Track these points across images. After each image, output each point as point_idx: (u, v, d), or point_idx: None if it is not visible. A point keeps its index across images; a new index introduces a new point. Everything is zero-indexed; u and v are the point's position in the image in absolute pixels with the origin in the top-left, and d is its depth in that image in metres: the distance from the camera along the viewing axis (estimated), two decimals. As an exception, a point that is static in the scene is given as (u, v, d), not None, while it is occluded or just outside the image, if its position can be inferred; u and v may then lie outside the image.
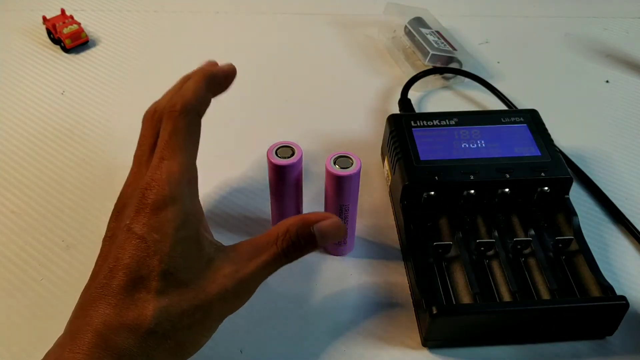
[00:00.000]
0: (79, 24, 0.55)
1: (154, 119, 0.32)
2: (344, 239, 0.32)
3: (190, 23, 0.60)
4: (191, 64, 0.54)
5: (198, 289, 0.28)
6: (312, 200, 0.40)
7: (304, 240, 0.31)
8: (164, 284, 0.28)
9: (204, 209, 0.40)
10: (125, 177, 0.42)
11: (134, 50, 0.56)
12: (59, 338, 0.28)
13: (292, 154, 0.34)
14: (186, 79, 0.34)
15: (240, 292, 0.30)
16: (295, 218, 0.31)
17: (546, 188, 0.37)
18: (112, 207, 0.40)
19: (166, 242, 0.28)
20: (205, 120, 0.48)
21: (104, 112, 0.49)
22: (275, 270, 0.31)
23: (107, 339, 0.26)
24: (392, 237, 0.40)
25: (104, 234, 0.36)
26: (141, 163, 0.32)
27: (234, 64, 0.55)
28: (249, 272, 0.30)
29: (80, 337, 0.26)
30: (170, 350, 0.28)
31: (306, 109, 0.50)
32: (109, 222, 0.31)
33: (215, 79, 0.34)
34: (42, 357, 0.27)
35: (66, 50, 0.55)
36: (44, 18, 0.56)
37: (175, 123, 0.31)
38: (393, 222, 0.41)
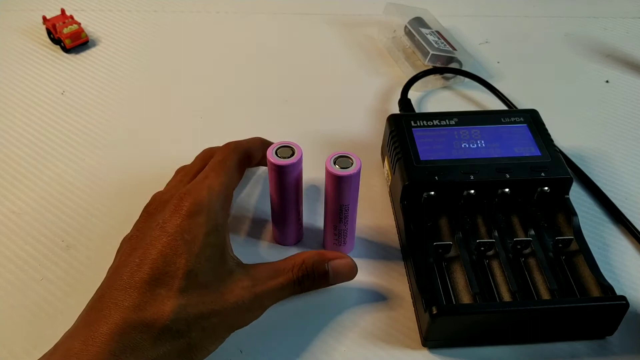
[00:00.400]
0: (79, 24, 0.55)
1: (209, 154, 0.37)
2: (353, 277, 0.35)
3: (191, 23, 0.60)
4: (191, 64, 0.54)
5: (217, 295, 0.30)
6: (312, 200, 0.40)
7: (317, 274, 0.33)
8: (187, 283, 0.29)
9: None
10: (125, 177, 0.42)
11: (134, 50, 0.56)
12: (70, 329, 0.28)
13: (292, 154, 0.34)
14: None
15: (254, 306, 0.32)
16: (312, 252, 0.34)
17: (546, 188, 0.37)
18: (112, 207, 0.41)
19: (196, 243, 0.30)
20: (206, 120, 0.49)
21: (104, 112, 0.49)
22: (288, 295, 0.33)
23: (123, 332, 0.26)
24: (392, 237, 0.40)
25: (104, 233, 0.36)
26: (181, 180, 0.35)
27: (233, 63, 0.55)
28: (266, 289, 0.32)
29: (95, 328, 0.26)
30: (180, 351, 0.28)
31: (306, 109, 0.50)
32: (137, 223, 0.32)
33: (255, 154, 0.39)
34: (48, 350, 0.27)
35: (66, 50, 0.55)
36: (44, 18, 0.56)
37: (225, 154, 0.36)
38: (393, 222, 0.41)
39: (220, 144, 0.46)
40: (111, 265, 0.32)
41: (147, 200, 0.34)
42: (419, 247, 0.36)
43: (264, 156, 0.38)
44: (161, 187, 0.37)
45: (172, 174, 0.39)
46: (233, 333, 0.34)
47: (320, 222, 0.38)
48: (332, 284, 0.35)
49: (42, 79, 0.52)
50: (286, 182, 0.35)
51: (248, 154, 0.37)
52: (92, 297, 0.29)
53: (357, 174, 0.33)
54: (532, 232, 0.37)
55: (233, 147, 0.36)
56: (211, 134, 0.47)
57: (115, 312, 0.27)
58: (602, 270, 0.35)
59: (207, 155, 0.37)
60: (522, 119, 0.41)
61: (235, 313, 0.30)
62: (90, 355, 0.26)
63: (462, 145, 0.39)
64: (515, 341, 0.34)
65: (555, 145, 0.39)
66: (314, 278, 0.33)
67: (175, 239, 0.29)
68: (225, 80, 0.53)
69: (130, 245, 0.31)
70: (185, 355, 0.29)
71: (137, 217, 0.33)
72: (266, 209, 0.41)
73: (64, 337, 0.28)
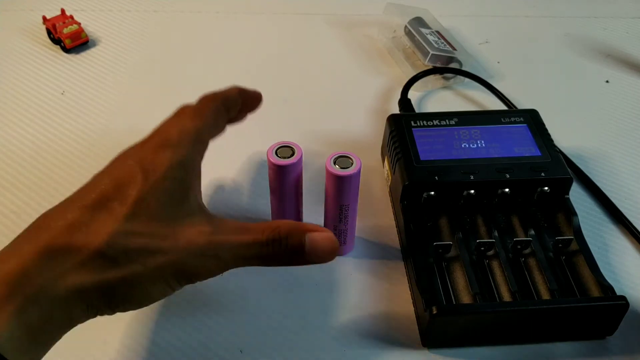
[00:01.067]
0: (79, 24, 0.55)
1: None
2: (333, 258, 0.30)
3: (191, 23, 0.60)
4: (191, 64, 0.54)
5: (168, 231, 0.27)
6: (312, 200, 0.40)
7: (291, 244, 0.29)
8: (134, 210, 0.26)
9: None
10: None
11: (134, 50, 0.56)
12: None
13: (292, 154, 0.34)
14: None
15: (207, 253, 0.28)
16: (290, 221, 0.30)
17: (546, 188, 0.37)
18: (112, 207, 0.40)
19: (155, 174, 0.28)
20: (205, 120, 0.48)
21: (104, 112, 0.49)
22: (253, 256, 0.29)
23: (46, 253, 0.24)
24: (392, 237, 0.40)
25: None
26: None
27: (234, 63, 0.55)
28: (225, 239, 0.28)
29: (19, 247, 0.25)
30: (111, 283, 0.25)
31: (306, 109, 0.50)
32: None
33: (248, 93, 0.37)
34: None
35: (66, 50, 0.55)
36: (44, 18, 0.56)
37: (208, 101, 0.33)
38: (393, 222, 0.41)
39: (220, 144, 0.46)
40: None
41: None
42: (419, 247, 0.36)
43: (242, 109, 0.36)
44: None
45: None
46: (233, 333, 0.34)
47: (320, 222, 0.38)
48: (308, 262, 0.29)
49: (42, 79, 0.52)
50: (286, 182, 0.35)
51: (226, 103, 0.34)
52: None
53: (357, 174, 0.33)
54: (532, 232, 0.37)
55: (210, 97, 0.34)
56: (211, 134, 0.47)
57: (46, 231, 0.25)
58: (602, 270, 0.35)
59: None
60: (522, 119, 0.41)
61: (186, 256, 0.27)
62: (2, 274, 0.24)
63: (462, 145, 0.39)
64: (515, 341, 0.34)
65: (555, 145, 0.39)
66: (286, 246, 0.29)
67: (134, 168, 0.28)
68: (225, 80, 0.53)
69: (96, 176, 0.29)
70: (119, 292, 0.26)
71: None
72: (266, 209, 0.41)
73: None
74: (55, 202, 0.41)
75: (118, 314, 0.27)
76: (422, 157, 0.38)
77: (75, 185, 0.42)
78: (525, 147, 0.39)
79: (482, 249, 0.36)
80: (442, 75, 0.52)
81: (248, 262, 0.29)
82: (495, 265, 0.36)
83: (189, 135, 0.31)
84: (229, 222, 0.30)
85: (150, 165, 0.28)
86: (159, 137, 0.30)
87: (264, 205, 0.41)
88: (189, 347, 0.33)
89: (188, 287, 0.29)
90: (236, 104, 0.35)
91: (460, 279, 0.35)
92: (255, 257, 0.29)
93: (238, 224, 0.30)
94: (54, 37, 0.55)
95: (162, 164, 0.28)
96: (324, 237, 0.29)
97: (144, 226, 0.26)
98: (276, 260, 0.29)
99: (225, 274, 0.29)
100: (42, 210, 0.40)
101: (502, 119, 0.41)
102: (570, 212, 0.37)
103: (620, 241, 0.40)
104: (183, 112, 0.33)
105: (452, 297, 0.35)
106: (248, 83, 0.52)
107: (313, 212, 0.40)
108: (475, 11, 0.63)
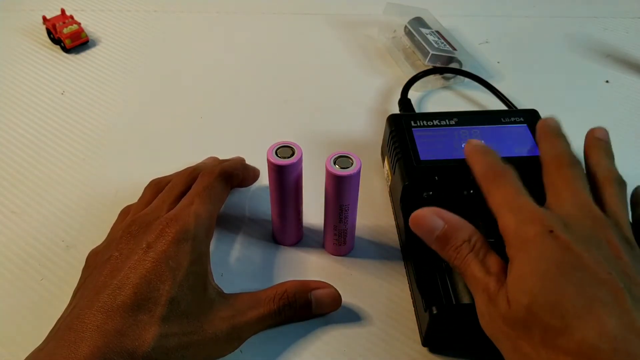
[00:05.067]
0: (79, 24, 0.55)
1: (191, 175, 0.36)
2: (338, 308, 0.35)
3: (191, 23, 0.60)
4: (191, 64, 0.54)
5: (197, 325, 0.29)
6: (312, 200, 0.40)
7: (299, 304, 0.33)
8: (168, 311, 0.28)
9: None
10: (125, 177, 0.41)
11: (134, 50, 0.56)
12: (43, 345, 0.27)
13: (292, 154, 0.34)
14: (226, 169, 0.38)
15: (232, 337, 0.31)
16: (295, 281, 0.34)
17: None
18: (112, 206, 0.41)
19: (180, 271, 0.29)
20: (206, 120, 0.48)
21: (104, 112, 0.49)
22: (269, 326, 0.33)
23: (105, 356, 0.26)
24: (392, 237, 0.40)
25: (104, 234, 0.36)
26: (164, 202, 0.34)
27: (234, 63, 0.55)
28: (244, 320, 0.32)
29: (75, 349, 0.26)
30: None
31: (306, 109, 0.50)
32: (117, 243, 0.31)
33: (249, 172, 0.40)
34: None
35: (66, 50, 0.55)
36: (44, 18, 0.56)
37: (210, 181, 0.35)
38: (393, 222, 0.41)
39: (220, 145, 0.46)
40: (83, 283, 0.31)
41: None
42: (419, 247, 0.36)
43: (245, 178, 0.39)
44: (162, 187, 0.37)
45: (171, 172, 0.38)
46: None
47: (320, 222, 0.38)
48: (316, 315, 0.34)
49: (42, 79, 0.52)
50: (286, 182, 0.35)
51: (231, 177, 0.37)
52: (67, 315, 0.28)
53: (357, 174, 0.33)
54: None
55: (218, 173, 0.36)
56: (211, 134, 0.47)
57: (97, 334, 0.26)
58: (602, 270, 0.34)
59: (189, 176, 0.36)
60: (522, 119, 0.41)
61: (213, 344, 0.30)
62: None
63: (462, 145, 0.39)
64: (515, 341, 0.34)
65: (555, 145, 0.39)
66: (295, 308, 0.33)
67: (160, 264, 0.29)
68: (225, 80, 0.53)
69: (110, 266, 0.30)
70: None
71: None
72: (266, 209, 0.41)
73: (41, 353, 0.27)
74: (55, 202, 0.42)
75: None
76: (422, 157, 0.38)
77: (75, 185, 0.43)
78: (525, 147, 0.39)
79: (482, 249, 0.36)
80: (442, 75, 0.52)
81: (265, 329, 0.33)
82: (495, 265, 0.36)
83: (204, 224, 0.32)
84: (241, 298, 0.33)
85: (174, 261, 0.30)
86: (178, 228, 0.31)
87: (264, 205, 0.41)
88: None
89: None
90: (239, 177, 0.38)
91: (460, 279, 0.35)
92: (271, 324, 0.33)
93: (249, 296, 0.33)
94: (54, 37, 0.55)
95: (184, 259, 0.30)
96: (327, 293, 0.34)
97: (177, 324, 0.29)
98: (288, 320, 0.34)
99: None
100: (42, 210, 0.41)
101: (502, 119, 0.41)
102: (570, 212, 0.37)
103: (620, 241, 0.40)
104: (196, 193, 0.34)
105: (452, 297, 0.35)
106: (248, 83, 0.53)
107: (313, 212, 0.40)
108: (475, 11, 0.63)
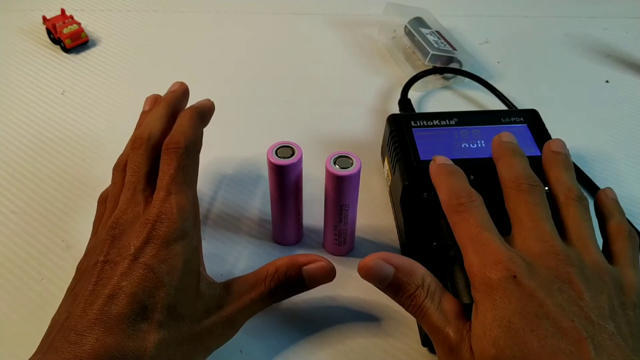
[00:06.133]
0: (79, 24, 0.55)
1: (149, 148, 0.33)
2: (333, 279, 0.33)
3: (191, 23, 0.60)
4: (191, 64, 0.54)
5: (191, 323, 0.29)
6: (312, 200, 0.40)
7: (292, 281, 0.32)
8: (166, 316, 0.28)
9: (204, 209, 0.40)
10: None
11: (134, 50, 0.56)
12: (40, 356, 0.26)
13: (292, 154, 0.34)
14: (163, 104, 0.36)
15: (226, 328, 0.31)
16: (285, 258, 0.32)
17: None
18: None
19: (175, 274, 0.29)
20: (205, 120, 0.48)
21: (104, 112, 0.49)
22: (263, 307, 0.32)
23: None
24: (392, 237, 0.40)
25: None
26: (137, 190, 0.31)
27: (234, 63, 0.55)
28: (235, 309, 0.31)
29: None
30: None
31: (306, 109, 0.50)
32: (101, 246, 0.29)
33: (204, 116, 0.36)
34: None
35: (66, 50, 0.55)
36: (44, 18, 0.56)
37: (181, 160, 0.32)
38: (393, 222, 0.41)
39: (220, 145, 0.46)
40: (73, 287, 0.30)
41: None
42: (419, 247, 0.36)
43: (205, 120, 0.36)
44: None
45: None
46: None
47: (320, 222, 0.38)
48: (311, 288, 0.33)
49: (42, 79, 0.52)
50: (286, 182, 0.35)
51: (198, 141, 0.34)
52: (61, 325, 0.27)
53: (357, 174, 0.33)
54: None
55: (184, 145, 0.32)
56: (211, 134, 0.47)
57: (98, 347, 0.25)
58: (602, 270, 0.34)
59: (147, 151, 0.33)
60: (522, 119, 0.41)
61: (208, 337, 0.30)
62: None
63: (462, 145, 0.39)
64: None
65: (555, 145, 0.39)
66: (288, 286, 0.32)
67: (154, 270, 0.28)
68: (225, 80, 0.53)
69: (99, 273, 0.28)
70: None
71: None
72: (266, 209, 0.41)
73: None
74: (55, 202, 0.42)
75: None
76: (422, 157, 0.38)
77: (75, 184, 0.43)
78: (525, 147, 0.39)
79: (482, 249, 0.36)
80: (442, 75, 0.52)
81: (261, 309, 0.32)
82: (495, 265, 0.36)
83: (189, 215, 0.30)
84: (233, 284, 0.32)
85: (166, 265, 0.29)
86: (165, 229, 0.29)
87: (264, 205, 0.41)
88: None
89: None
90: (202, 137, 0.35)
91: (460, 279, 0.35)
92: (265, 306, 0.32)
93: (241, 281, 0.32)
94: (54, 37, 0.55)
95: (177, 260, 0.29)
96: (319, 267, 0.33)
97: (176, 329, 0.28)
98: (283, 298, 0.33)
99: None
100: (42, 211, 0.41)
101: (502, 119, 0.41)
102: (570, 212, 0.37)
103: (620, 241, 0.40)
104: (171, 179, 0.31)
105: (452, 297, 0.35)
106: (248, 83, 0.53)
107: (313, 212, 0.40)
108: (475, 11, 0.63)
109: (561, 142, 0.36)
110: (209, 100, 0.37)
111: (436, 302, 0.29)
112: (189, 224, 0.30)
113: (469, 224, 0.30)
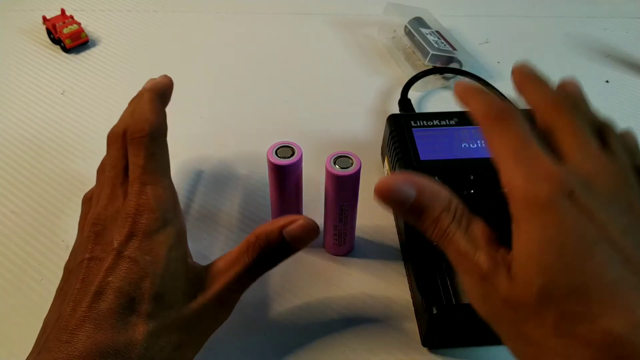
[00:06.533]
0: (79, 24, 0.55)
1: (124, 142, 0.32)
2: (317, 236, 0.31)
3: (191, 23, 0.60)
4: (191, 64, 0.54)
5: (180, 309, 0.28)
6: (312, 200, 0.40)
7: (275, 247, 0.30)
8: (153, 306, 0.27)
9: (204, 210, 0.40)
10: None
11: (134, 50, 0.56)
12: (34, 356, 0.26)
13: (292, 154, 0.34)
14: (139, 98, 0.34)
15: (216, 308, 0.30)
16: (264, 225, 0.31)
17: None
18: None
19: (159, 263, 0.28)
20: (206, 120, 0.48)
21: (104, 112, 0.49)
22: (251, 281, 0.31)
23: None
24: (392, 237, 0.40)
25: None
26: (115, 185, 0.31)
27: (233, 63, 0.55)
28: (221, 287, 0.29)
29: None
30: None
31: (306, 109, 0.50)
32: (85, 244, 0.29)
33: (164, 94, 0.35)
34: None
35: (66, 50, 0.55)
36: (44, 18, 0.56)
37: (147, 148, 0.31)
38: (393, 222, 0.41)
39: (220, 145, 0.46)
40: (62, 287, 0.30)
41: None
42: (419, 247, 0.36)
43: (166, 98, 0.36)
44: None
45: (172, 172, 0.38)
46: (233, 334, 0.34)
47: (320, 222, 0.38)
48: (297, 250, 0.31)
49: (42, 79, 0.52)
50: (286, 182, 0.35)
51: (162, 126, 0.33)
52: (53, 325, 0.27)
53: (357, 174, 0.33)
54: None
55: (148, 131, 0.31)
56: (211, 134, 0.47)
57: (89, 345, 0.25)
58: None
59: (121, 146, 0.32)
60: (522, 119, 0.41)
61: (200, 322, 0.29)
62: None
63: (462, 145, 0.39)
64: (515, 341, 0.34)
65: (555, 145, 0.39)
66: (272, 252, 0.30)
67: (137, 262, 0.28)
68: (225, 80, 0.53)
69: (85, 271, 0.28)
70: None
71: None
72: (266, 209, 0.41)
73: None
74: (55, 202, 0.42)
75: None
76: (422, 157, 0.38)
77: (75, 185, 0.43)
78: (525, 147, 0.39)
79: (482, 249, 0.36)
80: (442, 75, 0.52)
81: (250, 283, 0.31)
82: (495, 265, 0.36)
83: (168, 202, 0.30)
84: (218, 264, 0.30)
85: (150, 255, 0.28)
86: (145, 221, 0.29)
87: (264, 205, 0.41)
88: (189, 347, 0.33)
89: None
90: (165, 117, 0.34)
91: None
92: (254, 278, 0.30)
93: (222, 260, 0.30)
94: (54, 37, 0.55)
95: (161, 250, 0.28)
96: (299, 226, 0.30)
97: (164, 317, 0.28)
98: (270, 266, 0.31)
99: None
100: (42, 211, 0.41)
101: (502, 119, 0.41)
102: (570, 212, 0.37)
103: (620, 241, 0.40)
104: (143, 169, 0.30)
105: (452, 297, 0.35)
106: (248, 83, 0.53)
107: (313, 212, 0.40)
108: (475, 11, 0.63)
109: (527, 66, 0.31)
110: (165, 76, 0.36)
111: (463, 227, 0.26)
112: (168, 213, 0.30)
113: (512, 133, 0.25)
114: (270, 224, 0.30)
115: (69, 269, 0.30)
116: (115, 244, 0.28)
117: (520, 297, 0.23)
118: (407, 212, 0.27)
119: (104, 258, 0.28)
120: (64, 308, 0.27)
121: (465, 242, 0.26)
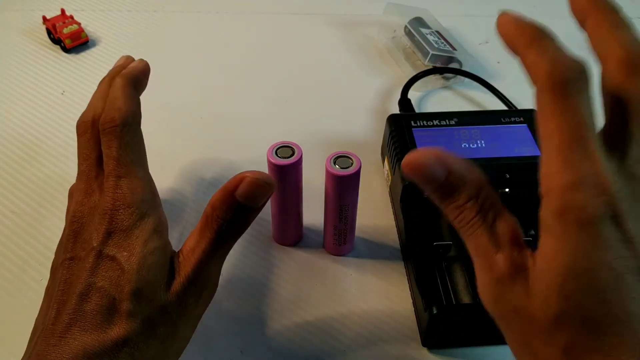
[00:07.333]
0: (79, 24, 0.55)
1: (95, 131, 0.31)
2: (273, 189, 0.29)
3: (191, 23, 0.60)
4: (191, 64, 0.54)
5: (160, 299, 0.28)
6: (312, 200, 0.40)
7: (233, 213, 0.28)
8: (133, 302, 0.27)
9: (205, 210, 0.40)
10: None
11: (134, 50, 0.56)
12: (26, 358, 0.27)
13: (292, 154, 0.34)
14: (110, 80, 0.33)
15: (194, 289, 0.28)
16: (217, 193, 0.28)
17: None
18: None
19: (135, 258, 0.28)
20: (206, 120, 0.48)
21: (104, 112, 0.49)
22: (224, 252, 0.29)
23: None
24: (392, 237, 0.40)
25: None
26: (90, 178, 0.31)
27: (233, 63, 0.55)
28: (193, 267, 0.28)
29: None
30: None
31: (306, 109, 0.50)
32: (66, 243, 0.29)
33: (138, 81, 0.33)
34: None
35: (66, 50, 0.55)
36: (44, 18, 0.56)
37: (120, 138, 0.30)
38: (393, 222, 0.41)
39: (220, 145, 0.46)
40: (49, 286, 0.30)
41: None
42: (419, 247, 0.36)
43: (142, 84, 0.34)
44: (163, 187, 0.37)
45: (173, 173, 0.38)
46: (233, 334, 0.34)
47: (320, 222, 0.38)
48: (257, 209, 0.29)
49: (42, 79, 0.52)
50: (286, 182, 0.35)
51: (136, 116, 0.32)
52: (40, 329, 0.27)
53: (357, 174, 0.33)
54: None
55: (120, 121, 0.30)
56: (211, 134, 0.47)
57: (78, 347, 0.26)
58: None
59: (92, 137, 0.31)
60: (522, 119, 0.41)
61: (182, 307, 0.28)
62: None
63: (462, 146, 0.39)
64: (515, 341, 0.34)
65: (555, 145, 0.39)
66: (233, 220, 0.28)
67: (116, 260, 0.27)
68: (225, 80, 0.53)
69: (66, 272, 0.28)
70: None
71: None
72: (266, 209, 0.41)
73: None
74: (55, 202, 0.42)
75: None
76: (422, 157, 0.38)
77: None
78: (525, 147, 0.39)
79: (482, 249, 0.36)
80: (442, 75, 0.52)
81: (224, 254, 0.29)
82: (495, 265, 0.36)
83: (145, 194, 0.29)
84: (186, 245, 0.29)
85: (127, 250, 0.28)
86: (121, 218, 0.28)
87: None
88: (188, 348, 0.33)
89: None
90: (139, 105, 0.33)
91: (460, 279, 0.35)
92: (226, 249, 0.29)
93: (190, 240, 0.29)
94: (54, 37, 0.55)
95: (137, 244, 0.28)
96: (247, 183, 0.28)
97: (146, 311, 0.27)
98: (238, 234, 0.29)
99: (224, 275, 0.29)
100: (42, 210, 0.41)
101: (502, 119, 0.41)
102: (570, 212, 0.37)
103: (620, 241, 0.40)
104: (117, 162, 0.29)
105: (452, 297, 0.35)
106: (247, 83, 0.53)
107: (313, 212, 0.40)
108: (475, 11, 0.63)
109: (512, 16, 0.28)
110: (141, 60, 0.35)
111: (489, 221, 0.24)
112: (145, 205, 0.29)
113: (572, 117, 0.22)
114: (221, 190, 0.28)
115: (53, 267, 0.30)
116: (95, 243, 0.28)
117: (534, 313, 0.21)
118: (433, 192, 0.25)
119: (84, 258, 0.28)
120: (50, 311, 0.28)
121: (487, 238, 0.23)
